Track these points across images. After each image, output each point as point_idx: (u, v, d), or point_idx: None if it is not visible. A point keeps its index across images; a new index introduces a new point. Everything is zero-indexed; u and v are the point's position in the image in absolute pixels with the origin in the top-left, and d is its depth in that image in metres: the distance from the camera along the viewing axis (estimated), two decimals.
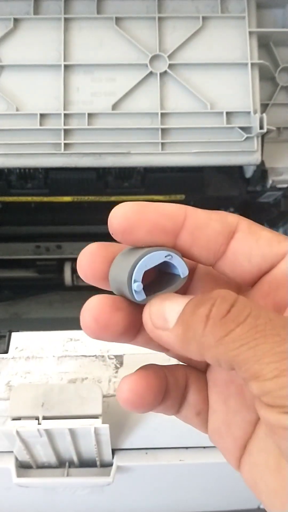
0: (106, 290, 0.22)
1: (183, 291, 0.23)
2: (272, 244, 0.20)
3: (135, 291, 0.20)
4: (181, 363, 0.24)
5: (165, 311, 0.20)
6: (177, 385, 0.23)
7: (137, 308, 0.21)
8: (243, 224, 0.21)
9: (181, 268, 0.21)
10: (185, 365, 0.24)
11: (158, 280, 0.22)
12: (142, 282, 0.20)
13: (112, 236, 0.21)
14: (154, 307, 0.20)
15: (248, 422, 0.22)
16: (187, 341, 0.19)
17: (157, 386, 0.22)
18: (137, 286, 0.20)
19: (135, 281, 0.20)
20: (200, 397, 0.23)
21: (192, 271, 0.24)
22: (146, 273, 0.20)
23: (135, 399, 0.21)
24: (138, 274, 0.20)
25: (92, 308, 0.20)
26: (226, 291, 0.19)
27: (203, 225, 0.21)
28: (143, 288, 0.20)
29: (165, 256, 0.20)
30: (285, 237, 0.21)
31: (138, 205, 0.20)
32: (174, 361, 0.24)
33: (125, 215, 0.20)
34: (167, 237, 0.20)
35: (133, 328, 0.22)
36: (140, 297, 0.20)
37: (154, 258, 0.20)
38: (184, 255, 0.21)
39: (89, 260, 0.21)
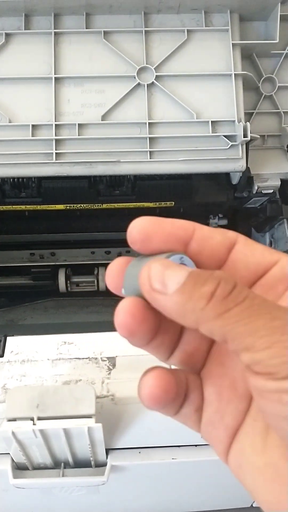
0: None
1: None
2: (265, 255, 0.24)
3: None
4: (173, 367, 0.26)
5: (165, 278, 0.21)
6: (181, 385, 0.25)
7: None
8: (241, 239, 0.24)
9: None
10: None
11: None
12: None
13: (130, 245, 0.23)
14: (154, 271, 0.22)
15: (239, 411, 0.24)
16: (185, 310, 0.21)
17: (177, 382, 0.24)
18: None
19: None
20: (197, 394, 0.25)
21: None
22: None
23: (161, 394, 0.23)
24: None
25: (128, 306, 0.22)
26: (225, 273, 0.22)
27: (209, 237, 0.24)
28: None
29: (180, 258, 0.23)
30: (275, 250, 0.25)
31: (154, 218, 0.23)
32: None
33: (144, 226, 0.23)
34: (179, 245, 0.24)
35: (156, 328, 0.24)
36: None
37: (173, 261, 0.23)
38: None
39: (115, 273, 0.24)
